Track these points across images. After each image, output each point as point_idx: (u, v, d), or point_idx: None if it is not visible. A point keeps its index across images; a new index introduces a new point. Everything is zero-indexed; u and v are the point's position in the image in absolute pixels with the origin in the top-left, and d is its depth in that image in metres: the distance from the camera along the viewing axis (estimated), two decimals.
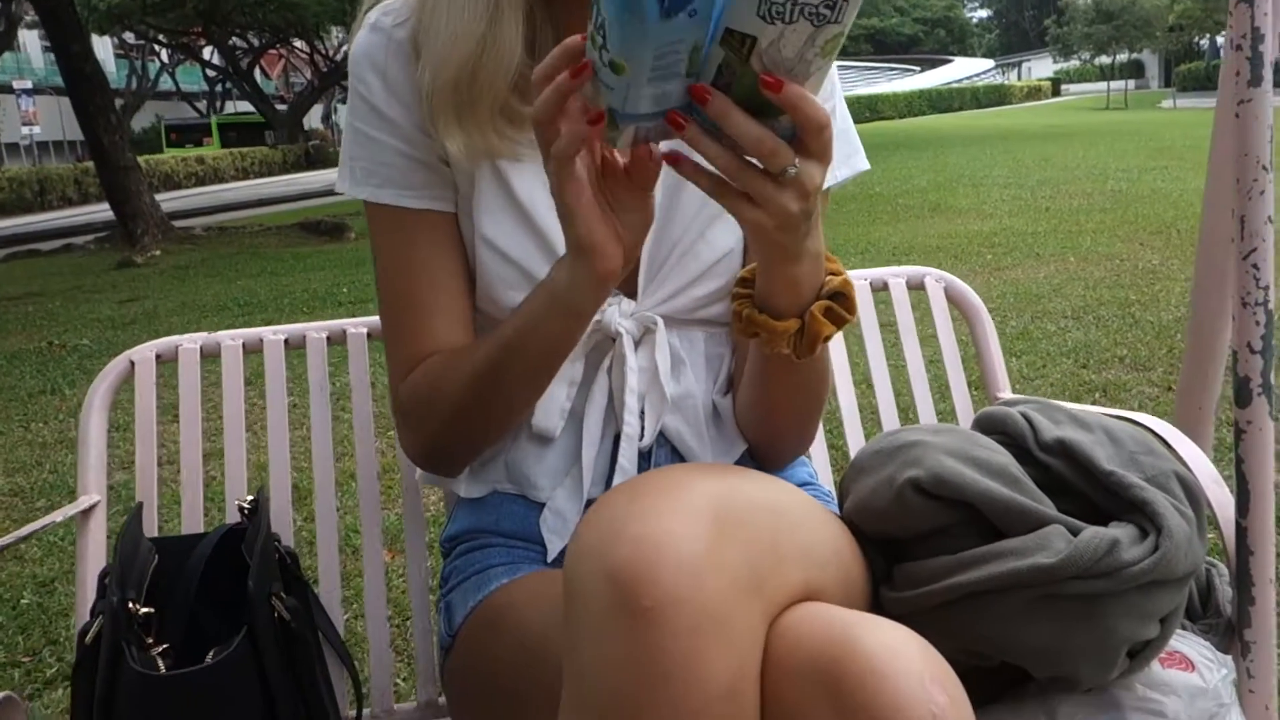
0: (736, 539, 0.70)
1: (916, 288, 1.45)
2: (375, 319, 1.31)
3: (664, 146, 0.75)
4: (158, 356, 1.27)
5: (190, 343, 1.28)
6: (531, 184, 0.97)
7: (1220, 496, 0.98)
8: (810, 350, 0.85)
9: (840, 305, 0.84)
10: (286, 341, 1.30)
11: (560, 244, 0.96)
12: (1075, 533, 0.83)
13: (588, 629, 0.68)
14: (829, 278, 0.85)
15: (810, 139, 0.70)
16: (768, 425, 1.03)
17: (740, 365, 1.03)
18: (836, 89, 1.02)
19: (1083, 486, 0.89)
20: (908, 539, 0.89)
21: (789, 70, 0.66)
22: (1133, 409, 1.20)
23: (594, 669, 0.68)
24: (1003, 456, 0.89)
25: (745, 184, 0.72)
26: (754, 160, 0.71)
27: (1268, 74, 0.85)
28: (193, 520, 1.25)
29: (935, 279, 1.44)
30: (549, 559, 1.01)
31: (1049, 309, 4.84)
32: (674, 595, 0.66)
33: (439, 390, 0.96)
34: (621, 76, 0.67)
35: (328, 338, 1.30)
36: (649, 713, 0.66)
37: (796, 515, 0.79)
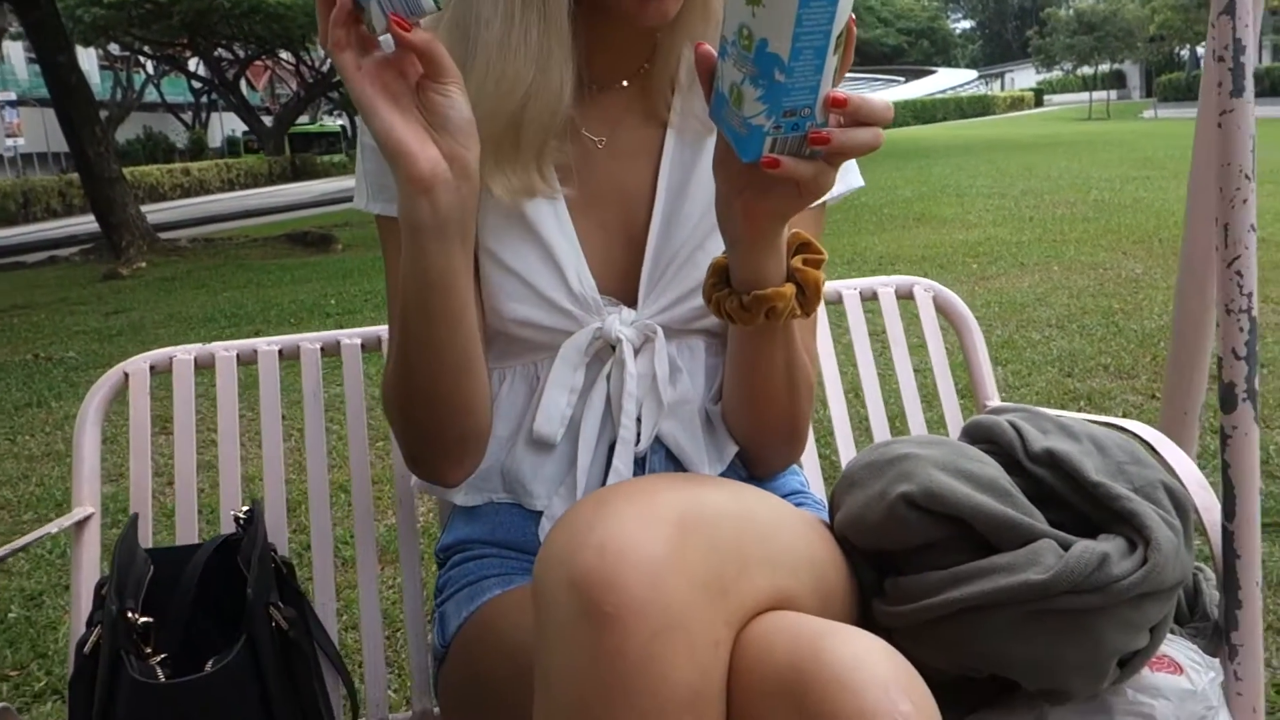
0: (699, 544, 0.71)
1: (905, 297, 1.46)
2: (369, 330, 1.33)
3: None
4: (151, 368, 1.28)
5: (184, 354, 1.29)
6: (537, 201, 0.98)
7: (1206, 500, 1.00)
8: (817, 296, 0.88)
9: (809, 252, 0.89)
10: (280, 352, 1.31)
11: (563, 256, 0.99)
12: (1066, 547, 0.83)
13: (554, 636, 0.70)
14: None
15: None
16: (756, 423, 1.03)
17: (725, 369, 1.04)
18: None
19: (1071, 497, 0.89)
20: (899, 552, 0.90)
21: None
22: (1117, 416, 1.23)
23: (560, 675, 0.69)
24: (993, 469, 0.90)
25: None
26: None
27: (1249, 84, 0.86)
28: (186, 532, 1.25)
29: (924, 288, 1.46)
30: None
31: (1033, 318, 4.87)
32: (635, 600, 0.67)
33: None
34: None
35: (321, 349, 1.31)
36: (611, 717, 0.67)
37: (767, 522, 0.80)
